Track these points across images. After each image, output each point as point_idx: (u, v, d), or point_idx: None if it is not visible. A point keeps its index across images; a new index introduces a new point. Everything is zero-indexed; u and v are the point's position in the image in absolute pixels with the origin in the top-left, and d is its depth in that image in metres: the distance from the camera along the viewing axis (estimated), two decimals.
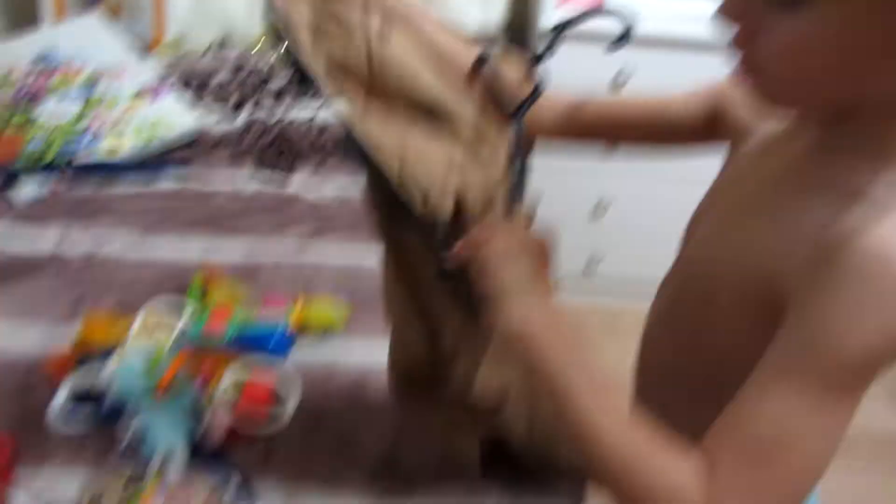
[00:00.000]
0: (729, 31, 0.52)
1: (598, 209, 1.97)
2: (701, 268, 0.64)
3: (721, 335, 0.60)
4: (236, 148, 1.42)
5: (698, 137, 0.75)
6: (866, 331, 0.48)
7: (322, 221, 1.22)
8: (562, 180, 1.67)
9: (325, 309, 0.97)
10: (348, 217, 1.22)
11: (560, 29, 0.65)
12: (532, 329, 0.55)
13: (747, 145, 0.67)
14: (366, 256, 1.07)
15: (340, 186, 1.32)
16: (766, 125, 0.64)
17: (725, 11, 0.51)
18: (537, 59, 0.66)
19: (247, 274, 1.05)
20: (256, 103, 1.63)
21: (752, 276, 0.56)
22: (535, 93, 0.64)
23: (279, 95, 1.66)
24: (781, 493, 0.50)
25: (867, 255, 0.48)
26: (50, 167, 1.26)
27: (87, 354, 0.85)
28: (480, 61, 0.66)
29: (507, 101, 0.65)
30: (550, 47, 0.66)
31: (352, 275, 1.07)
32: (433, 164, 0.61)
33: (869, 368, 0.50)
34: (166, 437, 0.76)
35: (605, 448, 0.52)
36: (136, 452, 0.76)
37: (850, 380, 0.50)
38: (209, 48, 1.72)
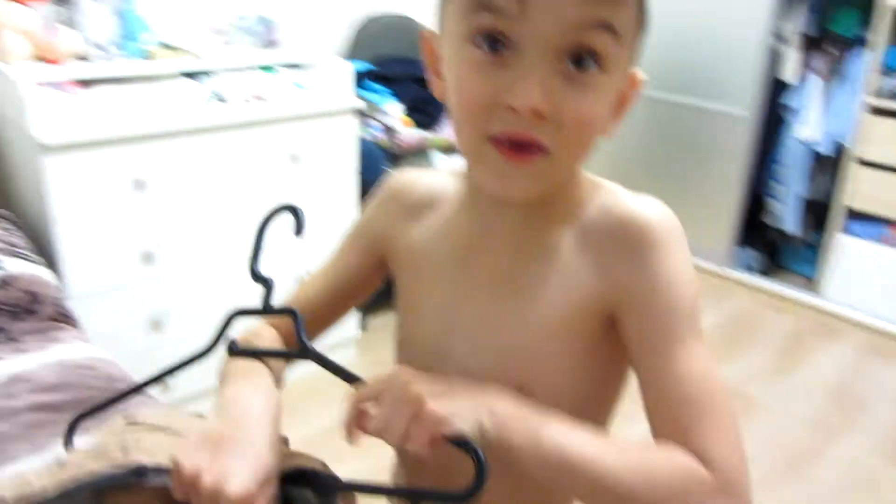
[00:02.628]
0: (505, 120, 0.59)
1: None
2: (496, 356, 0.70)
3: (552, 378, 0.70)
4: None
5: (373, 285, 0.84)
6: (686, 277, 0.64)
7: None
8: None
9: None
10: None
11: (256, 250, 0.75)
12: (503, 429, 0.59)
13: (426, 270, 0.76)
14: None
15: None
16: (419, 230, 0.77)
17: (535, 101, 0.58)
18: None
19: None
20: None
21: (571, 320, 0.67)
22: (299, 323, 0.71)
23: None
24: (736, 432, 0.60)
25: (645, 225, 0.64)
26: None
27: None
28: None
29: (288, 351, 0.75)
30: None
31: None
32: None
33: (698, 300, 0.65)
34: None
35: (621, 477, 0.58)
36: None
37: (700, 317, 0.64)
38: None
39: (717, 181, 3.21)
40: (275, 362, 0.73)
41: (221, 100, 2.10)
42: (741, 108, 3.07)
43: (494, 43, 0.59)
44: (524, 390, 0.66)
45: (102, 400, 0.83)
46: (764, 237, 3.35)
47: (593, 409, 0.72)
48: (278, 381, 0.73)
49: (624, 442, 0.60)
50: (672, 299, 0.63)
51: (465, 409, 0.58)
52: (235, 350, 0.73)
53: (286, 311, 0.72)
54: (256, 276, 0.73)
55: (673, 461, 0.59)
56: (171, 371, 0.78)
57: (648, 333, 0.64)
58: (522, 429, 0.59)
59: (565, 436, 0.59)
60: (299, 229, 0.74)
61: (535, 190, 0.64)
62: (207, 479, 0.57)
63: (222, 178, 2.02)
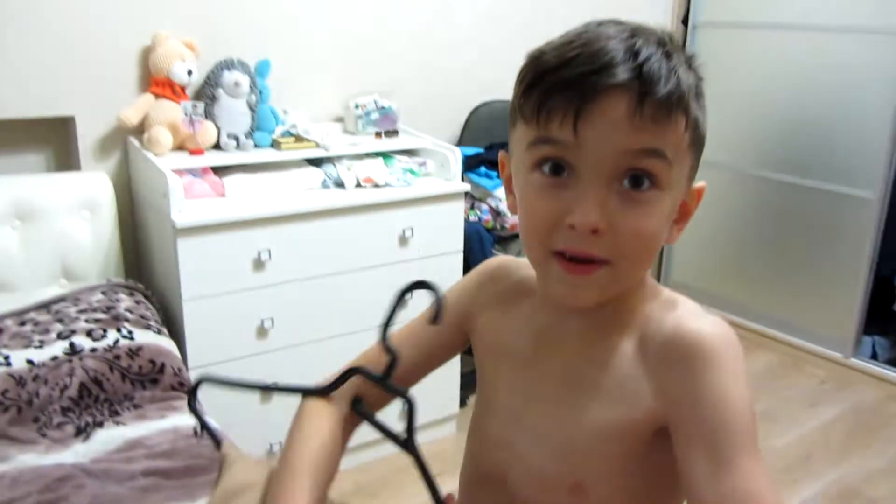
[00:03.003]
0: (567, 238, 0.66)
1: None
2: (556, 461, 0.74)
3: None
4: None
5: (455, 352, 0.89)
6: (738, 393, 0.63)
7: None
8: None
9: None
10: None
11: (388, 321, 0.78)
12: None
13: (506, 362, 0.81)
14: None
15: None
16: (505, 320, 0.82)
17: (592, 220, 0.64)
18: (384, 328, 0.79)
19: None
20: None
21: (623, 424, 0.69)
22: (412, 411, 0.76)
23: None
24: None
25: (700, 342, 0.65)
26: None
27: None
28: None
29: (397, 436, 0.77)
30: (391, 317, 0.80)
31: None
32: None
33: (754, 417, 0.64)
34: None
35: None
36: None
37: (754, 435, 0.63)
38: None
39: (841, 265, 3.05)
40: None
41: (339, 185, 2.25)
42: (867, 190, 2.93)
43: (557, 168, 0.66)
44: (579, 488, 0.70)
45: (226, 378, 0.91)
46: (893, 324, 3.13)
47: None
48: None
49: None
50: (720, 415, 0.62)
51: None
52: (360, 412, 0.81)
53: (402, 394, 0.75)
54: (386, 347, 0.77)
55: None
56: (288, 389, 0.87)
57: (695, 449, 0.63)
58: None
59: None
60: (437, 315, 0.74)
61: (598, 298, 0.70)
62: None
63: (335, 257, 2.16)
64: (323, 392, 0.83)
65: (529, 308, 0.80)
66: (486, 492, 0.81)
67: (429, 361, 0.88)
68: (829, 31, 3.02)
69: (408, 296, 0.76)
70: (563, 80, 0.63)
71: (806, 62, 3.11)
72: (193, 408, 0.95)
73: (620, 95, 0.62)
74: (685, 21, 3.48)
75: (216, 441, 1.00)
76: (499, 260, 0.88)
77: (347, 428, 0.84)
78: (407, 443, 0.75)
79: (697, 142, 0.68)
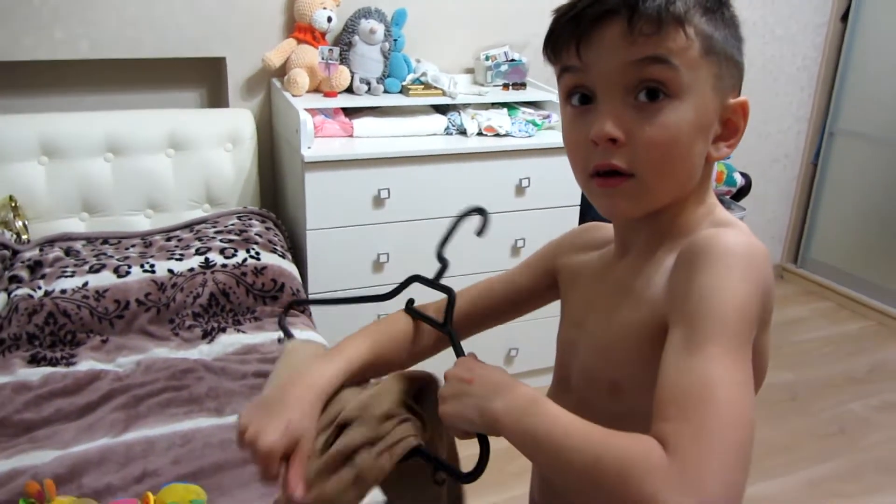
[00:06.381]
0: (594, 155, 0.71)
1: None
2: (600, 353, 0.80)
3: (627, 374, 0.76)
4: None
5: (542, 299, 0.96)
6: (726, 292, 0.63)
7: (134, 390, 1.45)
8: None
9: (182, 494, 1.13)
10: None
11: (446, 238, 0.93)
12: (494, 423, 0.67)
13: (580, 283, 0.88)
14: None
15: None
16: (586, 257, 0.89)
17: (606, 129, 0.69)
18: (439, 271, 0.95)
19: (70, 478, 1.22)
20: (13, 279, 1.77)
21: (645, 325, 0.72)
22: (451, 301, 0.89)
23: (34, 267, 1.79)
24: (724, 438, 0.56)
25: (710, 243, 0.66)
26: None
27: None
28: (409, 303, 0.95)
29: (436, 320, 0.90)
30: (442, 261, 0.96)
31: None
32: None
33: (745, 322, 0.63)
34: None
35: (573, 452, 0.60)
36: None
37: (734, 332, 0.62)
38: None
39: None
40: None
41: (462, 132, 2.32)
42: None
43: (583, 99, 0.73)
44: (617, 387, 0.76)
45: (311, 299, 1.08)
46: None
47: None
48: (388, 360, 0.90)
49: (597, 426, 0.61)
50: (704, 304, 0.63)
51: (466, 409, 0.70)
52: (409, 308, 0.94)
53: (447, 290, 0.90)
54: (440, 257, 0.91)
55: (633, 442, 0.58)
56: (353, 300, 1.06)
57: (673, 335, 0.64)
58: (511, 421, 0.66)
59: (543, 415, 0.64)
60: (482, 230, 0.92)
61: (632, 209, 0.75)
62: (249, 433, 0.74)
63: (452, 200, 2.23)
64: (386, 297, 0.97)
65: (604, 253, 0.88)
66: (559, 393, 0.89)
67: (513, 304, 0.97)
68: None
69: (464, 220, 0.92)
70: (567, 17, 0.72)
71: None
72: (282, 324, 1.08)
73: (614, 19, 0.69)
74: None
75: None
76: (587, 224, 0.97)
77: (414, 336, 0.94)
78: (443, 326, 0.87)
79: (714, 51, 0.70)
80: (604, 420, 0.64)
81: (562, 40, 0.73)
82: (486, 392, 0.69)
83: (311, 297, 2.08)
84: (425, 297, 0.97)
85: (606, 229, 0.91)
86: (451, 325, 0.87)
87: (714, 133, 0.74)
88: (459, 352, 0.84)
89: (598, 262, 0.88)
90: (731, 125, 0.74)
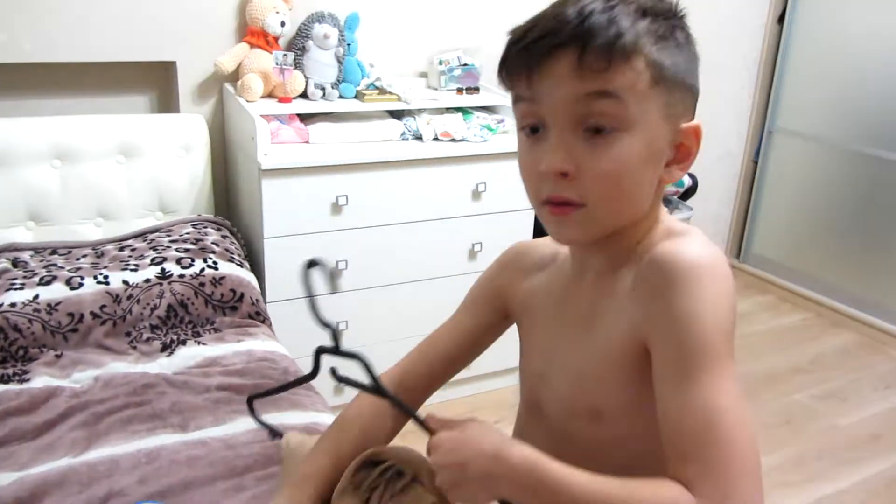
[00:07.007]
0: (546, 187, 0.73)
1: None
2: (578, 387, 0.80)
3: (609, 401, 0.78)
4: None
5: (495, 334, 0.97)
6: (706, 313, 0.65)
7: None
8: None
9: None
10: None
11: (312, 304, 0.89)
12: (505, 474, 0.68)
13: (537, 309, 0.89)
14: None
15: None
16: (535, 280, 0.90)
17: (556, 164, 0.71)
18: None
19: (31, 502, 1.21)
20: None
21: (622, 352, 0.74)
22: (366, 363, 0.84)
23: None
24: (744, 470, 0.60)
25: (675, 260, 0.68)
26: None
27: None
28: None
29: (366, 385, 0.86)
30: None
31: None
32: None
33: (726, 336, 0.66)
34: None
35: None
36: None
37: (721, 353, 0.65)
38: None
39: None
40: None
41: (417, 137, 2.33)
42: None
43: (534, 128, 0.74)
44: (597, 414, 0.77)
45: (273, 388, 1.08)
46: None
47: None
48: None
49: (608, 479, 0.63)
50: (685, 333, 0.65)
51: (474, 495, 0.71)
52: (334, 375, 0.89)
53: (353, 355, 0.84)
54: (323, 323, 0.86)
55: (659, 490, 0.61)
56: (285, 387, 1.04)
57: (662, 366, 0.67)
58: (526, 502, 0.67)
59: (552, 483, 0.64)
60: (331, 279, 0.94)
61: (583, 236, 0.77)
62: None
63: (409, 206, 2.25)
64: (311, 377, 0.95)
65: (556, 269, 0.89)
66: (531, 421, 0.89)
67: (473, 344, 0.97)
68: None
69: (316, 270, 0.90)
70: (519, 47, 0.73)
71: None
72: (261, 422, 1.12)
73: (565, 53, 0.70)
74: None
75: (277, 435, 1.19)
76: (516, 245, 0.98)
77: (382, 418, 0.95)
78: (376, 388, 0.84)
79: (664, 80, 0.71)
80: (586, 447, 0.67)
81: (514, 69, 0.74)
82: (484, 474, 0.69)
83: (268, 304, 2.07)
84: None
85: (540, 245, 0.92)
86: (380, 383, 0.84)
87: (666, 158, 0.75)
88: (407, 411, 0.83)
89: (550, 284, 0.88)
90: (683, 149, 0.75)
